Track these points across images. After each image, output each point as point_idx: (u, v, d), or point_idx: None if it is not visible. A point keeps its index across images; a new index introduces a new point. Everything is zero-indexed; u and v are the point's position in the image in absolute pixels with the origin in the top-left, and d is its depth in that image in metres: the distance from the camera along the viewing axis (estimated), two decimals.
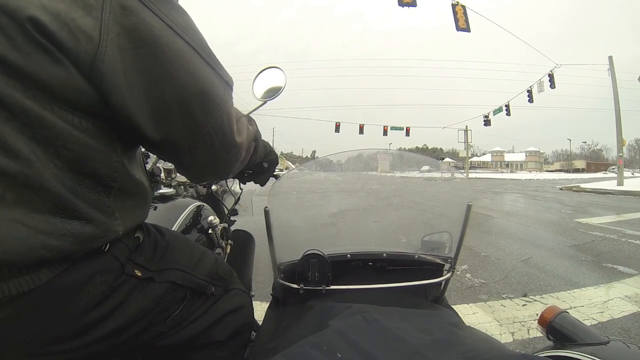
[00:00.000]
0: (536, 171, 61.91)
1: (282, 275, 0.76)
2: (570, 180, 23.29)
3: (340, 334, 0.48)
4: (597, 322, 2.03)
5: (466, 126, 35.17)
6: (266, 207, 0.71)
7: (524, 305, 2.34)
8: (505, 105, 21.30)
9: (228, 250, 1.14)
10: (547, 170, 67.68)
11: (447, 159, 62.08)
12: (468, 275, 2.96)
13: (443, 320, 0.59)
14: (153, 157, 1.05)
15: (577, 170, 62.74)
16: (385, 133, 27.42)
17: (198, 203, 1.10)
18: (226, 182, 1.32)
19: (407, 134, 28.19)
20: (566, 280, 2.84)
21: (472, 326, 0.62)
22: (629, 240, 4.25)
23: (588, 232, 4.83)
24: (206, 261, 0.66)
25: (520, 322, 2.07)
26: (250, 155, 0.65)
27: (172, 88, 0.43)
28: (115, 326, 0.49)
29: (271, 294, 0.83)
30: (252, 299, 0.85)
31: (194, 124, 0.47)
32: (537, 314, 2.06)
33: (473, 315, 2.19)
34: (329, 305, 0.61)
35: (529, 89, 18.26)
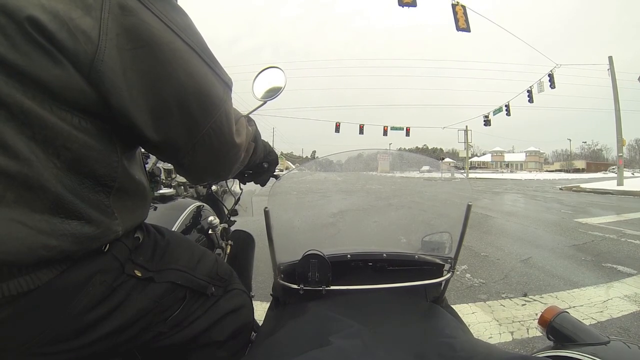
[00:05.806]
0: (536, 171, 61.85)
1: (282, 275, 0.76)
2: (570, 180, 23.31)
3: (343, 354, 0.48)
4: (596, 322, 2.03)
5: (466, 126, 35.21)
6: (266, 208, 0.71)
7: (523, 305, 2.34)
8: (505, 105, 21.30)
9: (228, 251, 1.14)
10: (547, 171, 67.62)
11: (447, 159, 62.07)
12: (468, 275, 2.96)
13: (442, 332, 0.60)
14: (153, 157, 1.05)
15: (577, 170, 62.68)
16: (385, 133, 27.45)
17: (198, 203, 1.10)
18: (226, 182, 1.32)
19: (407, 134, 28.22)
20: (566, 280, 2.84)
21: (471, 328, 0.63)
22: (629, 240, 4.25)
23: (588, 232, 4.83)
24: (206, 261, 0.66)
25: (519, 321, 2.07)
26: (249, 156, 0.65)
27: (171, 89, 0.43)
28: (115, 326, 0.49)
29: (271, 294, 0.83)
30: (252, 299, 0.85)
31: (193, 124, 0.47)
32: (536, 314, 2.06)
33: (472, 315, 2.19)
34: (332, 317, 0.60)
35: (529, 89, 18.26)
